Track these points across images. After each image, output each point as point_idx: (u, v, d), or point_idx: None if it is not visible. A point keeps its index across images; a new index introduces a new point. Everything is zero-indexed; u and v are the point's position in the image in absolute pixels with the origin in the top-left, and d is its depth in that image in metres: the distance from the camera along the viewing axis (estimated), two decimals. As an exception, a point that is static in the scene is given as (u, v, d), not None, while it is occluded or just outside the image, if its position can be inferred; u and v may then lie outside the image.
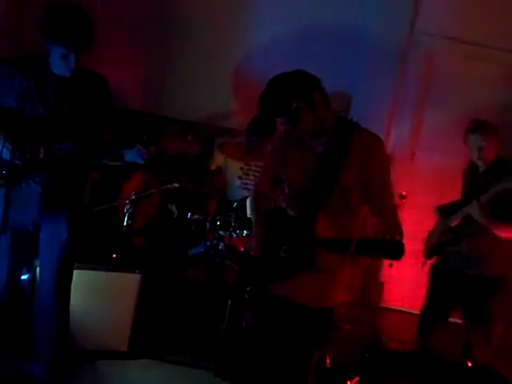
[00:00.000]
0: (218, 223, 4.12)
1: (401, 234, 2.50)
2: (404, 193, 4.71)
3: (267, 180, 2.82)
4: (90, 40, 2.79)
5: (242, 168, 4.55)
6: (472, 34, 4.89)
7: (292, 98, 2.42)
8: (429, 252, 3.96)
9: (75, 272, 3.56)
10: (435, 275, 3.96)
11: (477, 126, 3.75)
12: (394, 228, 2.49)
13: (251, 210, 3.10)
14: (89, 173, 3.17)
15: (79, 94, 2.93)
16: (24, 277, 3.37)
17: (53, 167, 2.91)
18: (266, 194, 2.80)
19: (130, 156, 2.95)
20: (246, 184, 4.54)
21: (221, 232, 4.10)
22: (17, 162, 2.80)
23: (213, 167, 4.67)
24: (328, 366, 3.57)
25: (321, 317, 2.54)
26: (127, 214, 4.10)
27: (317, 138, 2.55)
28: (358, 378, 3.52)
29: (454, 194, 4.85)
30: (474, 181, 3.83)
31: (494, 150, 3.72)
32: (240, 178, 4.55)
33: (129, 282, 3.77)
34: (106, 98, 3.04)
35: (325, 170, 2.50)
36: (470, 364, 3.51)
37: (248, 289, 2.67)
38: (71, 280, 3.18)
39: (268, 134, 4.20)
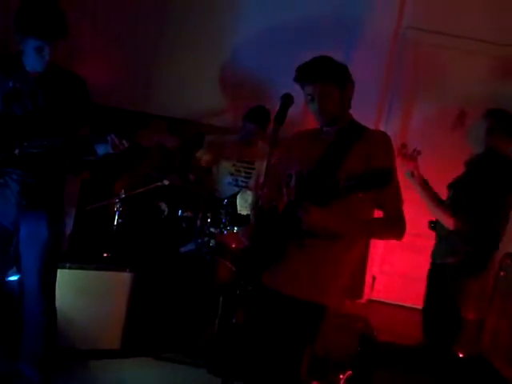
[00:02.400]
0: (209, 220, 4.13)
1: (402, 228, 2.51)
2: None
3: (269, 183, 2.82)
4: (64, 32, 2.77)
5: (234, 165, 4.55)
6: (459, 26, 4.91)
7: (334, 71, 2.53)
8: None
9: (67, 272, 3.58)
10: None
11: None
12: (395, 221, 2.51)
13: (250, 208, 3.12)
14: (66, 170, 3.16)
15: (54, 91, 2.92)
16: (14, 278, 3.35)
17: (29, 165, 2.91)
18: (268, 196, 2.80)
19: (102, 149, 2.94)
20: (236, 181, 4.54)
21: (212, 229, 4.11)
22: None
23: (203, 164, 4.66)
24: (320, 359, 3.58)
25: (312, 310, 2.53)
26: (118, 213, 4.10)
27: (329, 127, 2.60)
28: (350, 372, 3.54)
29: (444, 186, 4.90)
30: None
31: None
32: (232, 174, 4.55)
33: (120, 281, 3.78)
34: (83, 96, 3.03)
35: (329, 158, 2.52)
36: (461, 355, 3.54)
37: (242, 282, 2.64)
38: (55, 279, 3.16)
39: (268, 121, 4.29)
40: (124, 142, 2.82)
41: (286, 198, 2.58)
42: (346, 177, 2.24)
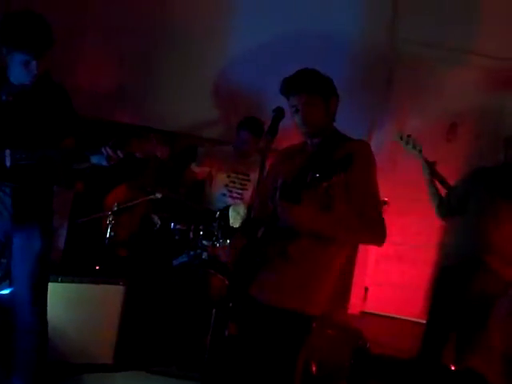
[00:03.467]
0: (201, 233, 4.12)
1: (381, 232, 2.49)
2: (386, 199, 4.75)
3: (258, 199, 2.84)
4: (50, 45, 2.79)
5: (229, 176, 4.57)
6: (451, 39, 4.95)
7: (319, 83, 2.57)
8: None
9: (59, 285, 3.56)
10: None
11: None
12: (373, 224, 2.48)
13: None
14: (57, 182, 3.16)
15: (40, 102, 2.93)
16: (6, 291, 3.33)
17: (21, 176, 2.91)
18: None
19: (96, 159, 2.93)
20: (231, 192, 4.55)
21: (204, 242, 4.10)
22: None
23: (197, 176, 4.67)
24: (314, 372, 3.57)
25: (298, 321, 2.54)
26: (110, 226, 4.10)
27: (313, 139, 2.63)
28: (344, 384, 3.54)
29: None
30: None
31: None
32: (227, 186, 4.56)
33: (113, 294, 3.76)
34: (67, 106, 3.04)
35: (311, 166, 2.51)
36: (453, 368, 3.54)
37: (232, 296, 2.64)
38: (46, 291, 3.15)
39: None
40: (119, 152, 2.82)
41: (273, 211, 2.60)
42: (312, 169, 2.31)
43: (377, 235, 2.52)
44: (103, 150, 2.82)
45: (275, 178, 2.69)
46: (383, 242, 2.52)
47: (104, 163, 2.89)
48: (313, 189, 2.38)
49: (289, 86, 2.58)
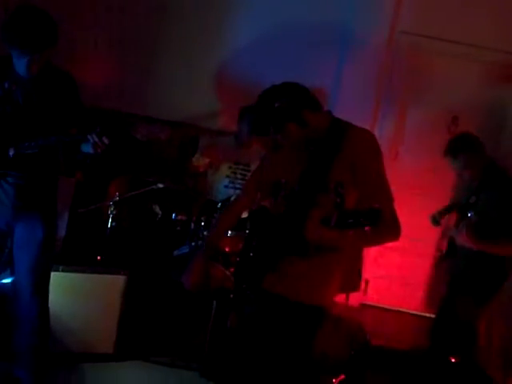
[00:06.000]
0: (203, 224, 4.12)
1: (398, 229, 2.45)
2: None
3: (252, 186, 2.85)
4: (52, 42, 2.76)
5: (230, 167, 4.56)
6: (453, 32, 4.93)
7: (282, 120, 2.46)
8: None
9: (60, 274, 3.56)
10: None
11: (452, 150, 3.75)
12: (390, 224, 2.41)
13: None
14: (60, 171, 3.15)
15: (47, 91, 2.92)
16: (7, 280, 3.34)
17: (24, 166, 2.91)
18: (254, 199, 2.81)
19: (85, 147, 2.91)
20: (233, 183, 4.55)
21: (205, 232, 4.10)
22: None
23: (199, 168, 4.67)
24: (313, 363, 3.58)
25: (314, 314, 2.54)
26: (111, 216, 4.10)
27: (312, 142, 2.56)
28: (343, 376, 3.54)
29: (437, 192, 4.92)
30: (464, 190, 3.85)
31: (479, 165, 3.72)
32: (228, 176, 4.56)
33: (114, 284, 3.76)
34: (74, 96, 3.02)
35: (314, 168, 2.49)
36: (453, 360, 3.55)
37: (244, 286, 2.63)
38: (49, 281, 3.16)
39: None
40: (104, 139, 2.77)
41: (276, 209, 2.59)
42: (337, 213, 2.18)
43: (394, 234, 2.48)
44: (89, 137, 2.77)
45: (271, 171, 2.69)
46: (398, 238, 2.47)
47: (91, 151, 2.85)
48: (324, 191, 2.33)
49: (261, 129, 2.56)
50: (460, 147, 3.72)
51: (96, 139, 2.77)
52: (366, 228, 2.14)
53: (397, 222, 2.47)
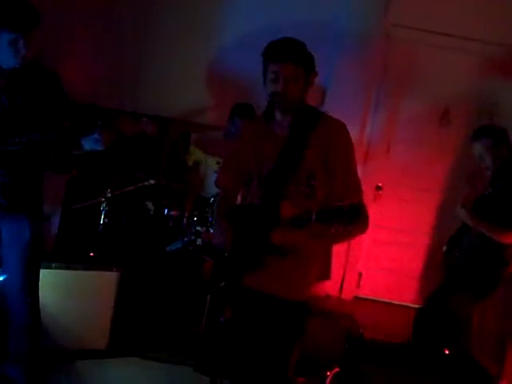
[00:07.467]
0: (195, 219, 4.12)
1: (366, 221, 2.34)
2: (380, 184, 4.77)
3: (231, 176, 2.81)
4: (37, 22, 2.75)
5: (218, 162, 4.55)
6: (445, 24, 4.93)
7: (306, 56, 2.51)
8: None
9: (53, 272, 3.55)
10: None
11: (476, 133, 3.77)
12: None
13: (215, 206, 3.08)
14: (50, 168, 3.13)
15: (31, 87, 2.89)
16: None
17: (8, 163, 2.87)
18: (235, 191, 2.80)
19: (88, 144, 2.88)
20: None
21: (198, 228, 4.10)
22: None
23: (190, 163, 4.66)
24: (307, 357, 3.58)
25: (295, 308, 2.54)
26: (104, 212, 4.08)
27: (283, 116, 2.55)
28: (337, 369, 3.55)
29: (428, 185, 4.94)
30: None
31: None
32: (216, 172, 4.55)
33: (107, 280, 3.76)
34: (59, 91, 2.99)
35: (288, 155, 2.49)
36: (447, 352, 3.56)
37: (222, 284, 2.62)
38: (38, 279, 3.13)
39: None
40: (109, 134, 2.77)
41: (249, 199, 2.60)
42: (316, 210, 2.20)
43: (361, 227, 2.37)
44: (96, 132, 2.77)
45: (244, 156, 2.67)
46: (366, 230, 2.41)
47: (98, 147, 2.84)
48: (295, 183, 2.34)
49: (275, 52, 2.50)
50: (484, 131, 3.75)
51: (100, 135, 2.77)
52: (348, 226, 2.14)
53: (367, 216, 2.38)
